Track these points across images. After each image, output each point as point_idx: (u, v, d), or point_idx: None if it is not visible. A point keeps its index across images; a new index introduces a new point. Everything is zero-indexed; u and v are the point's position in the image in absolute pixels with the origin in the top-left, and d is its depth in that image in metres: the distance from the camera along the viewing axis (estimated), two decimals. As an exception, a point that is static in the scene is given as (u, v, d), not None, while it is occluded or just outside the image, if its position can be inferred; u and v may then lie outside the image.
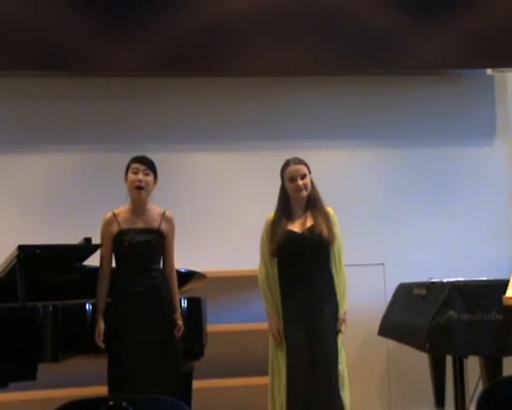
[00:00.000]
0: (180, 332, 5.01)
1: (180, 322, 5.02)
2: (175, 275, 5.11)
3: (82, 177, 7.14)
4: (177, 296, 5.11)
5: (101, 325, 4.88)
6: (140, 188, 4.94)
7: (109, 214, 5.00)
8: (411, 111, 7.58)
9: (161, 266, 5.03)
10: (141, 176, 4.95)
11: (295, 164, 5.00)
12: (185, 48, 7.05)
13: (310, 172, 5.04)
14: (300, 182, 4.95)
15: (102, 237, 5.00)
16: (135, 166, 4.98)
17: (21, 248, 4.80)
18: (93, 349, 5.01)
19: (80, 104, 7.18)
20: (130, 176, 4.97)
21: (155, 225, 5.00)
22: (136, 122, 7.22)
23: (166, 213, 5.07)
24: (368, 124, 7.52)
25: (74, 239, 5.22)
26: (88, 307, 5.00)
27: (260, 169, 7.27)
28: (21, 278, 4.77)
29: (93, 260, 5.39)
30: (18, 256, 4.79)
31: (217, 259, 6.94)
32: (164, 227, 5.02)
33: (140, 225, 4.98)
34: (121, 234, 4.93)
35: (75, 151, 7.15)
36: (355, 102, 7.51)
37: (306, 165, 5.03)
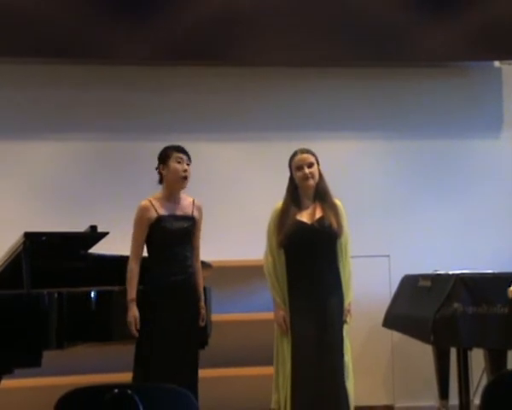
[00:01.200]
0: (204, 322, 5.04)
1: (203, 311, 5.05)
2: (200, 264, 5.13)
3: (88, 165, 7.14)
4: (202, 286, 5.12)
5: (136, 313, 4.80)
6: (186, 178, 4.95)
7: (145, 201, 4.93)
8: (418, 103, 7.57)
9: (192, 254, 5.01)
10: (185, 166, 4.96)
11: (302, 153, 5.01)
12: (192, 38, 7.03)
13: (318, 163, 5.03)
14: (307, 170, 4.94)
15: (138, 224, 4.90)
16: (179, 155, 4.96)
17: (27, 235, 4.82)
18: (98, 337, 5.03)
19: (87, 93, 7.17)
20: (175, 165, 4.93)
21: (189, 212, 5.01)
22: (142, 112, 7.21)
23: (196, 201, 5.08)
24: (374, 116, 7.50)
25: (80, 227, 5.23)
26: (93, 294, 5.00)
27: (267, 160, 7.27)
28: (27, 265, 4.78)
29: (99, 248, 5.41)
30: (24, 243, 4.80)
31: (223, 248, 6.93)
32: (196, 215, 5.03)
33: (177, 212, 4.96)
34: (161, 220, 4.87)
35: (81, 139, 7.14)
36: (362, 94, 7.49)
37: (314, 155, 5.03)
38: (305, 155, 5.00)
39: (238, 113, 7.34)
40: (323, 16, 7.18)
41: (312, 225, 4.92)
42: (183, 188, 5.00)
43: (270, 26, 7.08)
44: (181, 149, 5.00)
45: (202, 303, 5.06)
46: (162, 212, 4.90)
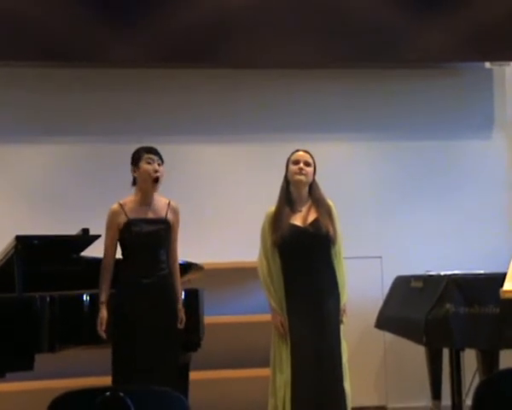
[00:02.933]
0: (182, 324, 5.01)
1: (182, 313, 5.02)
2: (178, 266, 5.08)
3: (80, 168, 7.14)
4: (180, 287, 5.09)
5: (105, 314, 4.81)
6: (157, 179, 4.89)
7: (115, 205, 4.90)
8: (409, 104, 7.58)
9: (166, 257, 4.97)
10: (157, 166, 4.90)
11: (304, 152, 5.04)
12: (186, 40, 7.04)
13: (315, 170, 5.04)
14: (302, 165, 4.96)
15: (109, 228, 4.90)
16: (149, 156, 4.90)
17: (19, 238, 4.81)
18: (90, 340, 5.03)
19: (80, 95, 7.18)
20: (146, 166, 4.88)
21: (162, 215, 4.95)
22: (136, 114, 7.22)
23: (172, 203, 5.01)
24: (365, 117, 7.52)
25: (72, 230, 5.22)
26: (85, 298, 5.00)
27: (260, 161, 7.30)
28: (19, 268, 4.78)
29: (91, 251, 5.40)
30: (15, 247, 4.80)
31: (215, 250, 6.94)
32: (170, 217, 4.96)
33: (148, 215, 4.91)
34: (130, 224, 4.84)
35: (74, 142, 7.15)
36: (352, 95, 7.51)
37: (313, 159, 5.05)
38: (306, 155, 5.02)
39: (230, 115, 7.36)
40: (317, 18, 7.19)
41: (306, 227, 4.92)
42: (155, 189, 4.92)
43: (263, 28, 7.11)
44: (151, 150, 4.94)
45: (180, 306, 5.00)
46: (132, 215, 4.86)
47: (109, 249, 4.92)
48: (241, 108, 7.37)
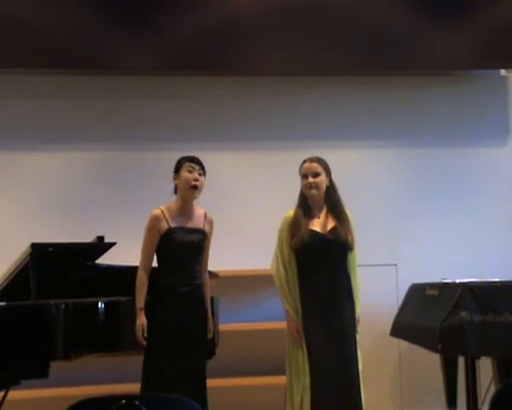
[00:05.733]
0: (211, 333, 5.05)
1: (211, 323, 5.06)
2: (207, 276, 5.13)
3: (95, 175, 7.15)
4: (209, 297, 5.12)
5: (144, 321, 4.79)
6: (196, 187, 4.93)
7: (157, 210, 4.92)
8: (424, 111, 7.57)
9: (200, 266, 5.00)
10: (197, 175, 4.94)
11: (310, 162, 5.01)
12: (195, 47, 7.08)
13: (328, 174, 5.03)
14: (311, 179, 4.94)
15: (150, 232, 4.90)
16: (190, 164, 4.95)
17: (34, 246, 4.82)
18: (105, 348, 5.03)
19: (94, 102, 7.20)
20: (186, 175, 4.92)
21: (201, 225, 5.00)
22: (149, 121, 7.23)
23: (208, 214, 5.07)
24: (380, 124, 7.51)
25: (88, 237, 5.23)
26: (100, 305, 5.00)
27: (273, 169, 7.29)
28: (34, 275, 4.79)
29: (105, 259, 5.41)
30: (31, 254, 4.81)
31: (230, 258, 6.92)
32: (207, 228, 5.02)
33: (188, 224, 4.95)
34: (172, 232, 4.87)
35: (88, 150, 7.16)
36: (368, 102, 7.50)
37: (323, 165, 5.02)
38: (313, 165, 4.99)
39: (242, 122, 7.36)
40: (331, 25, 7.20)
41: (326, 235, 4.91)
42: (194, 197, 4.97)
43: (272, 35, 7.13)
44: (193, 159, 4.99)
45: (209, 315, 5.06)
46: (173, 223, 4.89)
47: (150, 255, 4.93)
48: (254, 116, 7.37)
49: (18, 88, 7.14)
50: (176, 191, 5.02)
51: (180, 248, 4.87)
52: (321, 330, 4.81)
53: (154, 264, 4.99)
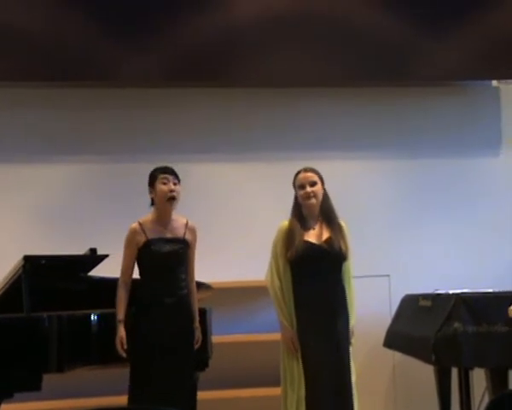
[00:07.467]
0: (198, 343, 5.02)
1: (198, 333, 5.03)
2: (195, 285, 5.10)
3: (88, 187, 7.14)
4: (197, 307, 5.10)
5: (123, 333, 4.78)
6: (173, 198, 4.90)
7: (135, 224, 4.91)
8: (417, 122, 7.58)
9: (186, 276, 4.98)
10: (172, 186, 4.91)
11: (306, 172, 5.02)
12: (197, 58, 7.08)
13: (323, 183, 5.04)
14: (309, 189, 4.95)
15: (127, 246, 4.90)
16: (164, 176, 4.92)
17: (27, 258, 4.82)
18: (99, 360, 5.02)
19: (96, 115, 7.20)
20: (161, 187, 4.89)
21: (181, 234, 4.97)
22: (148, 132, 7.23)
23: (189, 222, 5.04)
24: (373, 135, 7.52)
25: (81, 249, 5.22)
26: (93, 317, 4.99)
27: (269, 180, 7.28)
28: (27, 288, 4.78)
29: (98, 271, 5.40)
30: (23, 267, 4.80)
31: (223, 269, 6.92)
32: (188, 237, 4.99)
33: (166, 234, 4.92)
34: (149, 244, 4.85)
35: (82, 162, 7.15)
36: (362, 114, 7.51)
37: (318, 174, 5.04)
38: (309, 174, 5.01)
39: (241, 133, 7.35)
40: (328, 36, 7.22)
41: (321, 245, 4.92)
42: (172, 209, 4.95)
43: (272, 47, 7.13)
44: (166, 170, 4.96)
45: (197, 324, 5.03)
46: (151, 235, 4.87)
47: (128, 268, 4.92)
48: (253, 127, 7.37)
49: (17, 101, 7.13)
50: (153, 204, 5.00)
51: (159, 258, 4.85)
52: (316, 341, 4.82)
53: (138, 276, 4.97)
